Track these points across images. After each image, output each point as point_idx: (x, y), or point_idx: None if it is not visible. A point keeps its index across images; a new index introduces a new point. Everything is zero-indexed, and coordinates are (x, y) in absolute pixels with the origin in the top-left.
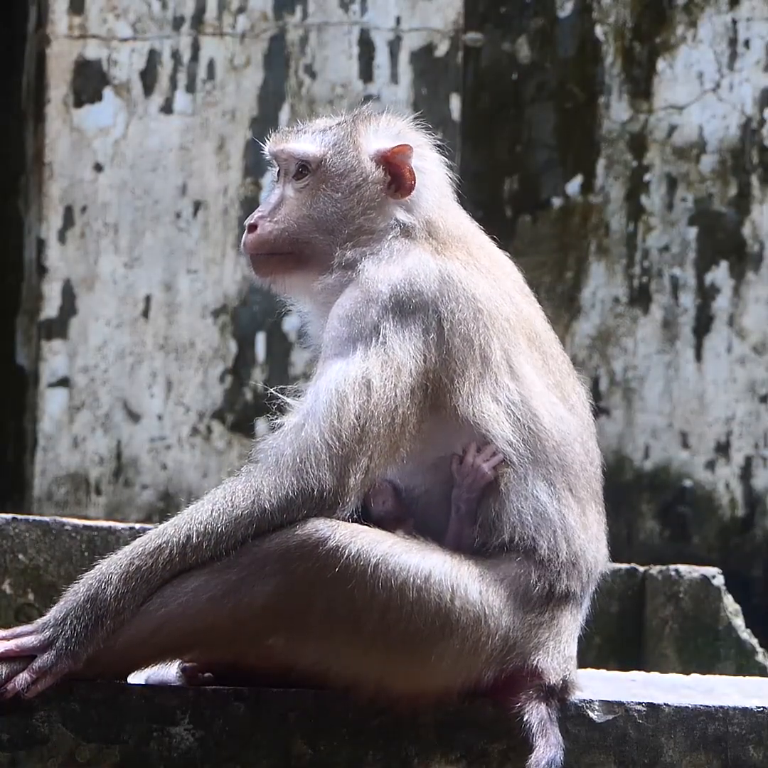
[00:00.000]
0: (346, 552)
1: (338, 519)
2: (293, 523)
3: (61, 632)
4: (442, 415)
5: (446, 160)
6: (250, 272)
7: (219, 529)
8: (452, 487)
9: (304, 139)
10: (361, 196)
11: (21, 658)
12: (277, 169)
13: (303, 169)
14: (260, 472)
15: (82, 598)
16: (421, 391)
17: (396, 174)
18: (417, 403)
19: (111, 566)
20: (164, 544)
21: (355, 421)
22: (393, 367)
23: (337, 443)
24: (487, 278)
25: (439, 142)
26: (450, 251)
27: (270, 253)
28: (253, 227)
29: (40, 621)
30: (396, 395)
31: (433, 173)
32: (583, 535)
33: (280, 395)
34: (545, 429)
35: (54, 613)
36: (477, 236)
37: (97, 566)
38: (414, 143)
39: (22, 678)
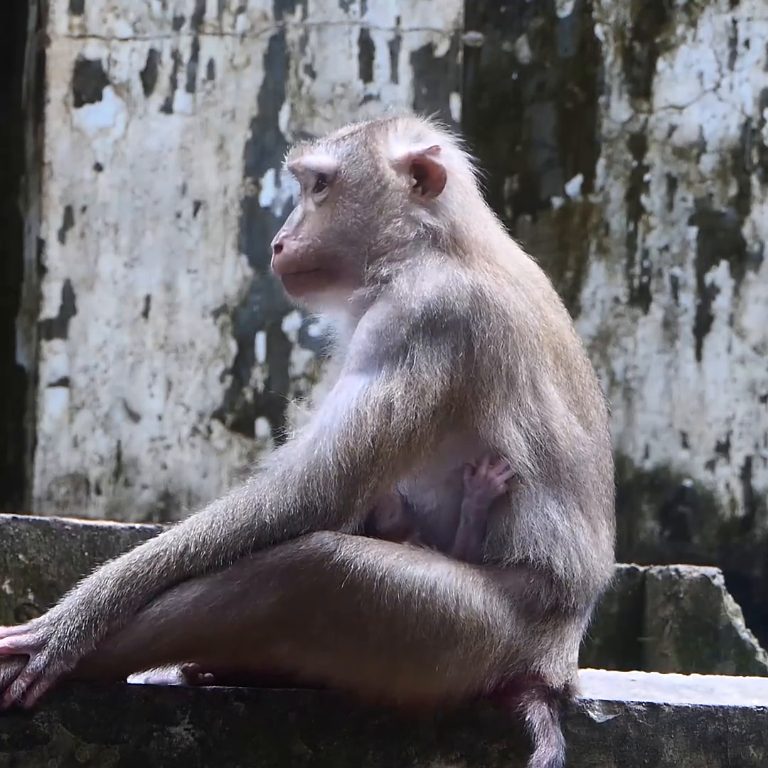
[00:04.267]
0: (352, 566)
1: (343, 532)
2: (297, 535)
3: (54, 632)
4: (461, 434)
5: (471, 156)
6: (284, 294)
7: (218, 541)
8: (462, 499)
9: (319, 151)
10: (382, 205)
11: (16, 657)
12: (300, 184)
13: (321, 181)
14: (264, 486)
15: (78, 601)
16: (444, 411)
17: (424, 176)
18: (438, 424)
19: (108, 571)
20: (162, 552)
21: (371, 443)
22: (417, 390)
23: (349, 464)
24: (517, 290)
25: (460, 139)
26: (479, 262)
27: (298, 271)
28: (278, 248)
29: (34, 621)
30: (416, 418)
31: (459, 172)
32: (596, 554)
33: (297, 405)
34: (561, 451)
35: (49, 614)
36: (504, 241)
37: (94, 571)
38: (439, 143)
39: (18, 685)
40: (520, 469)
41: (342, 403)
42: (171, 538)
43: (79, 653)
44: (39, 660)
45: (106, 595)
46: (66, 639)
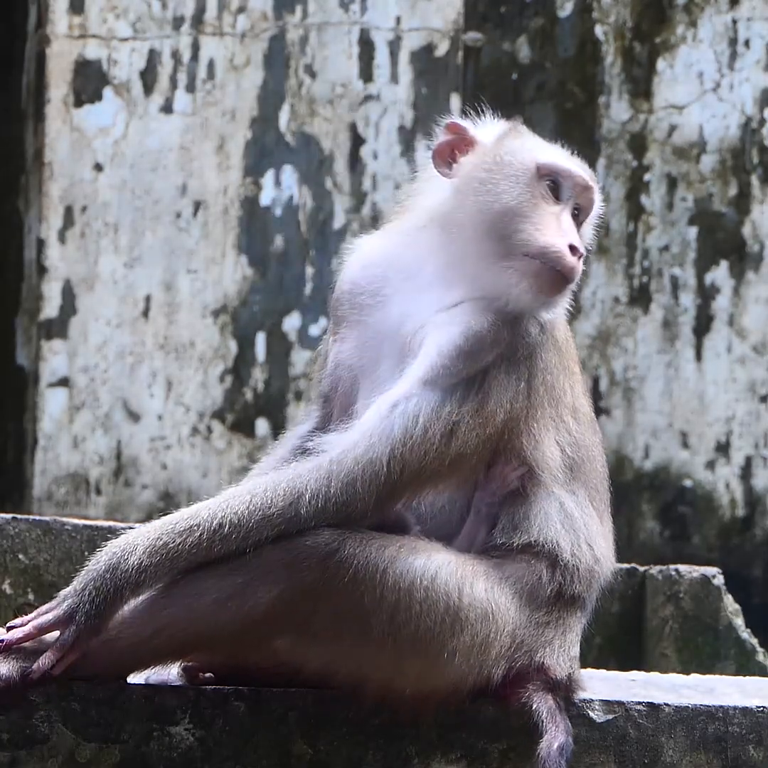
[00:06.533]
0: (355, 562)
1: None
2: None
3: (80, 605)
4: (502, 451)
5: None
6: (548, 290)
7: (251, 524)
8: (475, 491)
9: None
10: None
11: (44, 633)
12: (556, 187)
13: (585, 210)
14: (309, 474)
15: (103, 568)
16: (498, 436)
17: None
18: (489, 447)
19: (138, 538)
20: (196, 527)
21: (424, 458)
22: (483, 417)
23: (398, 473)
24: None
25: None
26: None
27: None
28: (574, 250)
29: (61, 593)
30: (474, 444)
31: None
32: (604, 544)
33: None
34: (583, 456)
35: (75, 584)
36: None
37: (122, 535)
38: None
39: (47, 657)
40: (547, 478)
41: (411, 412)
42: (205, 513)
43: (105, 625)
44: (67, 636)
45: (135, 562)
46: (93, 612)
